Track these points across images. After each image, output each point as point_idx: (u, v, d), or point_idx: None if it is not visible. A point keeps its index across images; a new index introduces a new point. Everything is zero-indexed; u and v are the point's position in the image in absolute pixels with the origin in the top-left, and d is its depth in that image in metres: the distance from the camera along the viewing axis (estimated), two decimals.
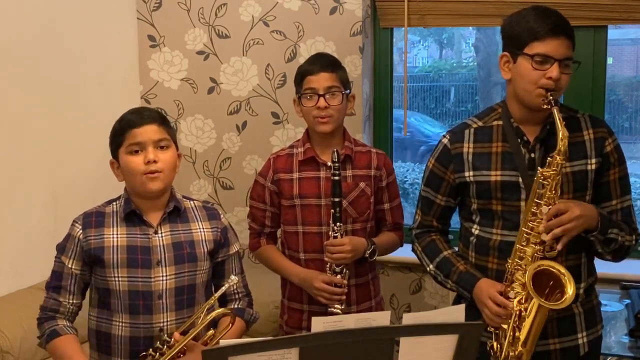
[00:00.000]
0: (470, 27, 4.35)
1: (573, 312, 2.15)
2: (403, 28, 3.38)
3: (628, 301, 2.77)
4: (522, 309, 2.01)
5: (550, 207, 1.98)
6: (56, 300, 2.12)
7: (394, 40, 3.57)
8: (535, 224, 2.01)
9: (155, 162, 2.05)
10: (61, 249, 2.14)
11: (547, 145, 2.11)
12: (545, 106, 2.01)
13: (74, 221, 2.15)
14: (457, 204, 2.29)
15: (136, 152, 2.07)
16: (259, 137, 3.58)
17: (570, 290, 1.95)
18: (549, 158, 2.02)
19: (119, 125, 2.11)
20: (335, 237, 2.39)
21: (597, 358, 2.28)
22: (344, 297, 2.40)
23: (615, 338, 2.57)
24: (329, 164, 2.42)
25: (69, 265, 2.11)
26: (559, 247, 1.99)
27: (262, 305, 2.62)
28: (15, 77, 2.99)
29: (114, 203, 2.17)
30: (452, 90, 4.44)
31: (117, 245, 2.09)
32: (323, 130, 2.46)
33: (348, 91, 2.51)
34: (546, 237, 1.98)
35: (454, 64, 4.81)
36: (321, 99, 2.43)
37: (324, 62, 2.49)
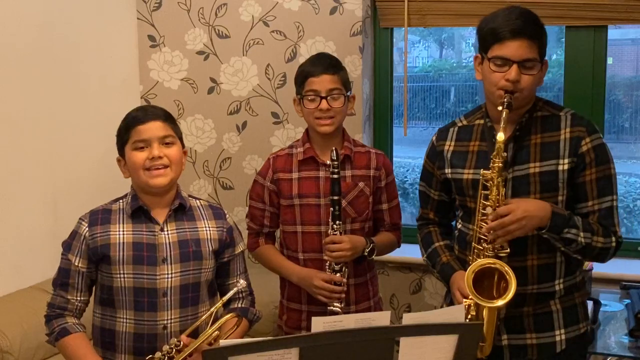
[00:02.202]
0: (470, 27, 4.33)
1: (551, 309, 2.17)
2: (403, 28, 3.38)
3: (628, 301, 2.77)
4: (472, 304, 2.05)
5: (495, 209, 2.03)
6: (64, 297, 2.13)
7: (394, 40, 3.57)
8: (484, 223, 2.06)
9: (160, 158, 2.08)
10: (67, 246, 2.15)
11: (519, 144, 2.14)
12: (499, 107, 2.05)
13: (80, 219, 2.17)
14: (452, 199, 2.32)
15: (141, 148, 2.09)
16: (259, 137, 3.58)
17: (513, 286, 1.99)
18: (491, 160, 2.05)
19: (125, 123, 2.14)
20: (334, 235, 2.39)
21: (582, 355, 2.29)
22: (343, 295, 2.40)
23: (615, 338, 2.57)
24: (328, 162, 2.41)
25: (75, 263, 2.12)
26: (497, 242, 2.04)
27: (262, 305, 2.62)
28: (15, 77, 2.99)
29: (121, 201, 2.19)
30: (452, 90, 4.43)
31: (123, 242, 2.10)
32: (324, 131, 2.46)
33: (349, 92, 2.51)
34: (490, 237, 2.04)
35: (454, 64, 4.80)
36: (323, 101, 2.43)
37: (326, 63, 2.48)
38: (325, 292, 2.39)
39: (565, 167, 2.10)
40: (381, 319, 1.63)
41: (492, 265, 2.04)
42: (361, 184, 2.52)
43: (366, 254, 2.47)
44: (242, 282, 2.17)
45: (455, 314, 1.73)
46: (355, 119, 3.33)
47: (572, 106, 3.21)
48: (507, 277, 2.01)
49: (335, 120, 2.46)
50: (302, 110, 2.50)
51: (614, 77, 3.71)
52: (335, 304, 2.38)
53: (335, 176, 2.38)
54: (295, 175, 2.53)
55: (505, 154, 2.04)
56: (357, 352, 1.53)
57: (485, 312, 2.04)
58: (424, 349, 1.57)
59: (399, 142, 3.71)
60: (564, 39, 3.28)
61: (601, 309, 2.76)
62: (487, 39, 2.09)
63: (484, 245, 2.07)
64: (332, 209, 2.39)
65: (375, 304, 2.62)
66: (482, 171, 2.07)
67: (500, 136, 2.01)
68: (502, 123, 2.02)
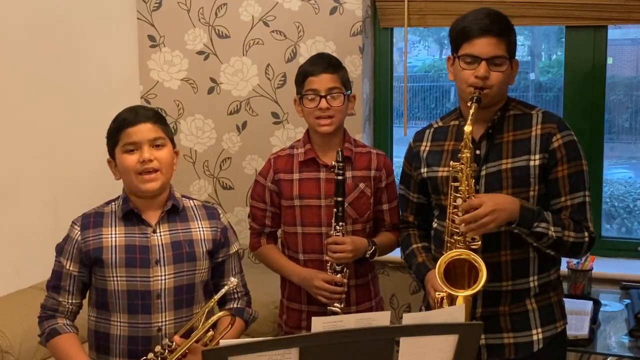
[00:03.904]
0: None
1: (527, 309, 2.19)
2: (403, 28, 3.38)
3: (628, 301, 2.77)
4: (445, 297, 2.07)
5: (465, 200, 2.06)
6: (55, 299, 2.13)
7: (394, 40, 3.57)
8: (456, 215, 2.09)
9: (150, 161, 2.06)
10: (60, 250, 2.15)
11: (492, 142, 2.18)
12: (469, 103, 2.09)
13: (72, 222, 2.16)
14: (431, 201, 2.33)
15: (131, 151, 2.07)
16: (259, 137, 3.58)
17: (483, 274, 2.01)
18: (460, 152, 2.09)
19: (115, 124, 2.11)
20: (337, 236, 2.39)
21: (560, 354, 2.29)
22: (343, 295, 2.40)
23: (615, 338, 2.57)
24: (334, 163, 2.41)
25: (67, 267, 2.12)
26: (468, 234, 2.05)
27: (262, 305, 2.62)
28: (16, 77, 2.99)
29: (113, 203, 2.17)
30: (452, 90, 4.42)
31: (116, 245, 2.09)
32: (324, 131, 2.46)
33: (349, 92, 2.51)
34: (463, 230, 2.06)
35: None
36: (323, 100, 2.43)
37: (325, 63, 2.49)
38: (325, 293, 2.39)
39: (537, 162, 2.14)
40: (381, 319, 1.63)
41: (461, 257, 2.06)
42: (362, 185, 2.52)
43: (368, 255, 2.47)
44: (233, 280, 2.13)
45: (455, 314, 1.73)
46: (355, 119, 3.33)
47: (572, 106, 3.25)
48: (477, 265, 2.03)
49: (335, 119, 2.46)
50: (302, 110, 2.50)
51: (614, 77, 3.71)
52: (335, 304, 2.39)
53: (340, 177, 2.38)
54: (296, 176, 2.53)
55: (472, 146, 2.07)
56: (357, 352, 1.53)
57: (459, 303, 2.04)
58: (424, 349, 1.57)
59: (399, 142, 3.71)
60: (564, 39, 3.28)
61: (601, 309, 2.76)
62: (457, 39, 2.15)
63: (456, 237, 2.09)
64: (335, 210, 2.39)
65: (376, 304, 2.62)
66: (451, 163, 2.10)
67: (468, 127, 2.05)
68: (470, 116, 2.06)
